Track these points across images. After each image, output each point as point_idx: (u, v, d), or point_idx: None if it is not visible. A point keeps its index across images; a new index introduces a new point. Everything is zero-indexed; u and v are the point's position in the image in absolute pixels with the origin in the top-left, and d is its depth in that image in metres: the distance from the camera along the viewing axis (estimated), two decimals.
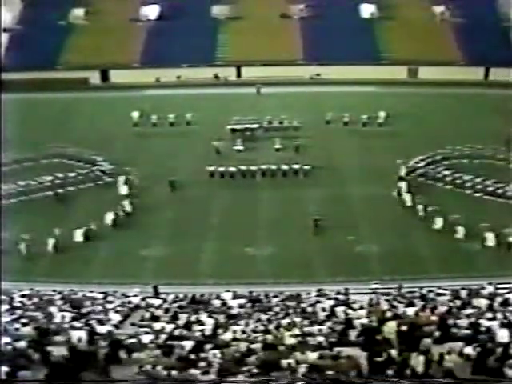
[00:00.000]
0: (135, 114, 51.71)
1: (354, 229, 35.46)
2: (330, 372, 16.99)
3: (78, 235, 34.73)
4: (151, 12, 69.64)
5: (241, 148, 45.93)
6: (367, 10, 68.91)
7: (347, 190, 40.07)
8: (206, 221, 36.97)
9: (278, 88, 57.99)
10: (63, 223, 35.60)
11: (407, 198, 38.10)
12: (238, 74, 65.12)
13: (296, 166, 41.86)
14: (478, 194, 38.74)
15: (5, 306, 24.80)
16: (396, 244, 33.92)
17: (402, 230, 35.73)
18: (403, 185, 39.24)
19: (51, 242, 33.82)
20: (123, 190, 40.04)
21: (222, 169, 41.83)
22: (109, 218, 36.24)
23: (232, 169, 41.83)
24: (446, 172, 41.03)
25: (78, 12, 69.82)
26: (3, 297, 26.26)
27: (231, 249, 33.80)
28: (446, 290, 26.74)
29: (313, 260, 32.77)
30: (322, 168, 42.36)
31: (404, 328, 19.79)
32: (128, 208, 37.76)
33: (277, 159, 43.14)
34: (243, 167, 41.96)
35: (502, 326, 20.10)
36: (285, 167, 41.83)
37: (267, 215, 37.59)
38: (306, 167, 41.76)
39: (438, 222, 34.81)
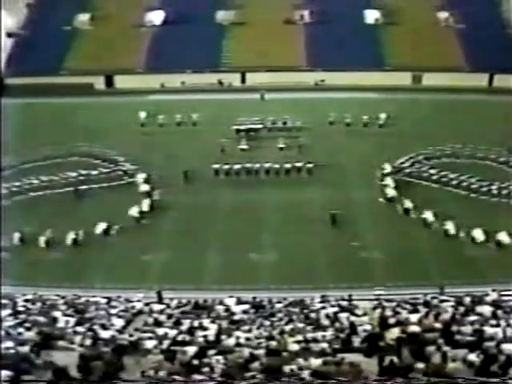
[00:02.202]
0: (142, 115, 52.97)
1: (358, 231, 35.71)
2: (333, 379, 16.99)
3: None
4: (156, 17, 69.98)
5: (245, 147, 46.89)
6: (371, 16, 69.05)
7: (349, 190, 40.47)
8: (211, 223, 37.02)
9: (282, 94, 58.12)
10: (71, 223, 36.10)
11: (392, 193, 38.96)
12: (243, 80, 65.29)
13: (299, 164, 42.79)
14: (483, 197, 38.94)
15: (8, 311, 24.88)
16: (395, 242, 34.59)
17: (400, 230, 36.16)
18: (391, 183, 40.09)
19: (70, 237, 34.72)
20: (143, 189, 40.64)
21: (226, 166, 42.69)
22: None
23: (237, 166, 42.73)
24: (442, 173, 41.38)
25: (84, 17, 70.23)
26: (6, 301, 26.35)
27: (235, 254, 33.72)
28: (450, 296, 26.69)
29: (316, 264, 32.71)
30: (324, 166, 43.20)
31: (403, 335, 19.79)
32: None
33: (280, 158, 44.13)
34: (248, 165, 42.93)
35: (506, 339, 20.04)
36: (288, 165, 42.75)
37: (271, 217, 37.70)
38: (308, 165, 42.71)
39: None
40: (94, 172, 42.72)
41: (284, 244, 34.53)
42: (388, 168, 41.80)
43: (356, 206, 38.45)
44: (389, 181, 40.32)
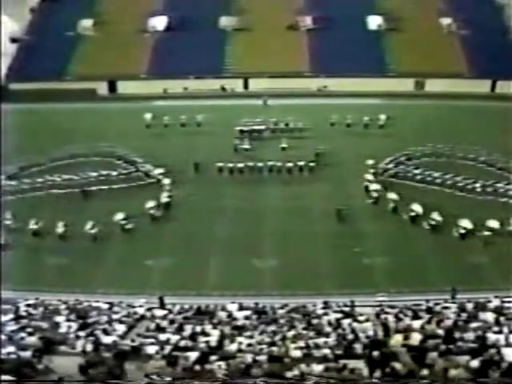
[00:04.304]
0: (148, 116, 53.66)
1: (359, 230, 36.32)
2: None
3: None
4: (159, 23, 70.18)
5: (248, 147, 47.95)
6: (374, 22, 69.18)
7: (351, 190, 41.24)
8: (213, 227, 37.15)
9: (284, 100, 58.18)
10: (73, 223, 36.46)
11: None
12: (245, 86, 65.36)
13: (301, 163, 43.91)
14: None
15: (10, 315, 24.90)
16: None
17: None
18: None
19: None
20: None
21: (230, 165, 43.86)
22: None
23: (240, 165, 43.95)
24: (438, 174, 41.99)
25: (87, 23, 70.42)
26: (8, 306, 26.37)
27: (237, 259, 33.70)
28: (453, 302, 26.64)
29: (319, 269, 32.67)
30: (326, 165, 44.75)
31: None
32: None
33: (282, 157, 45.21)
34: (250, 163, 44.16)
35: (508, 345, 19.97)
36: (290, 164, 43.85)
37: (274, 221, 37.81)
38: (310, 164, 43.97)
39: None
40: (105, 172, 43.48)
41: (286, 248, 34.64)
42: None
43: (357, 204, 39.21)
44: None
